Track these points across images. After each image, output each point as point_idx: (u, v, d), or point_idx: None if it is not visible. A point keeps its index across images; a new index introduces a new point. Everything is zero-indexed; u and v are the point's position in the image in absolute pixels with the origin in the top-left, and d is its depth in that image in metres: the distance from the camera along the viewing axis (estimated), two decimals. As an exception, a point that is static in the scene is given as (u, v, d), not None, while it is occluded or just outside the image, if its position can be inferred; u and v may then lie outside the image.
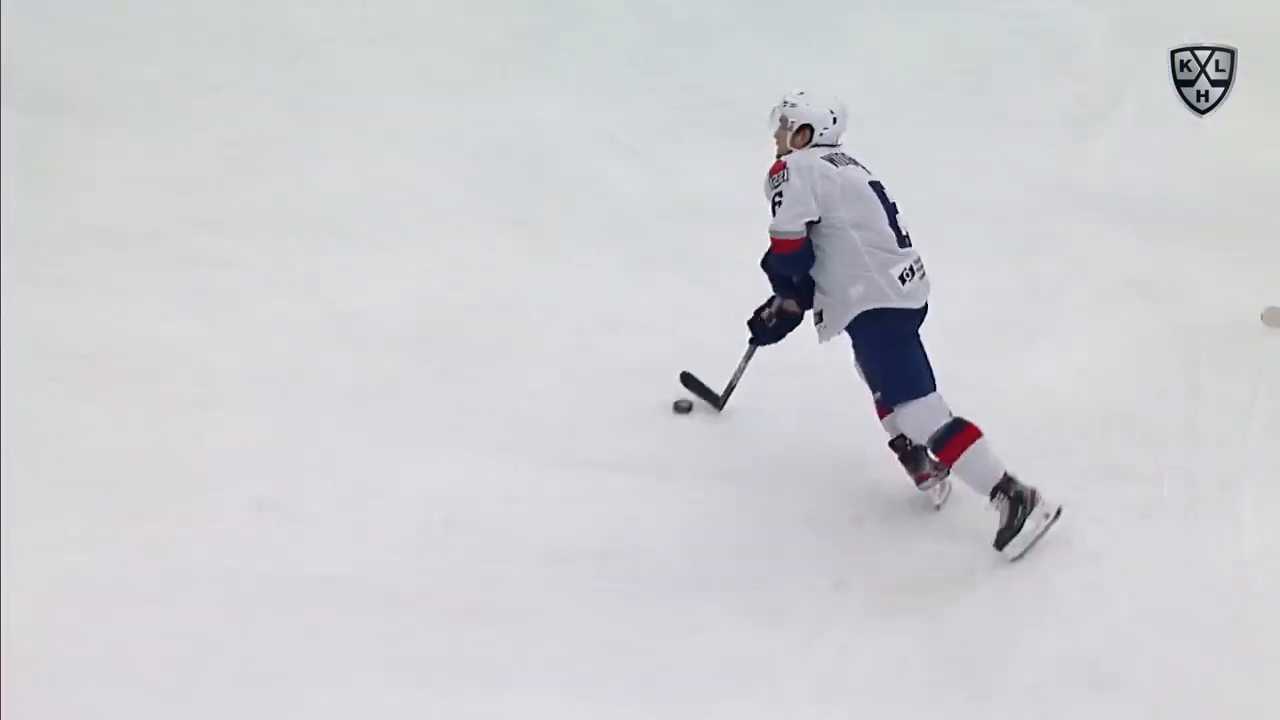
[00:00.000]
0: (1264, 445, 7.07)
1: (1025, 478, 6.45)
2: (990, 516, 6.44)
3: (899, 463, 6.78)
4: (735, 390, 7.23)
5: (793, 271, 6.67)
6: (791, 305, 6.84)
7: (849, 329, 6.61)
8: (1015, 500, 6.40)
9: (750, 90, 9.15)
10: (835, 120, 6.74)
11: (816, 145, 6.73)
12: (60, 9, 10.04)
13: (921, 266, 6.60)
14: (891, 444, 6.77)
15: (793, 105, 6.73)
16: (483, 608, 6.06)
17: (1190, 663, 5.92)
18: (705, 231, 8.41)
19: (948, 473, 6.69)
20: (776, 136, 6.76)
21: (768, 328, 6.92)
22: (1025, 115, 9.73)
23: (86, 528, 6.27)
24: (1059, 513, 6.42)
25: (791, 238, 6.56)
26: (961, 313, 7.76)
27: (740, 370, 7.20)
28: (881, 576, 6.35)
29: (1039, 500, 6.40)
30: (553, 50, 10.25)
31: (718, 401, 7.28)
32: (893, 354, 6.54)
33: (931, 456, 6.66)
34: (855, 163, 6.69)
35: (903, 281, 6.53)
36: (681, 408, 7.30)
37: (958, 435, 6.43)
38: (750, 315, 7.03)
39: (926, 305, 6.62)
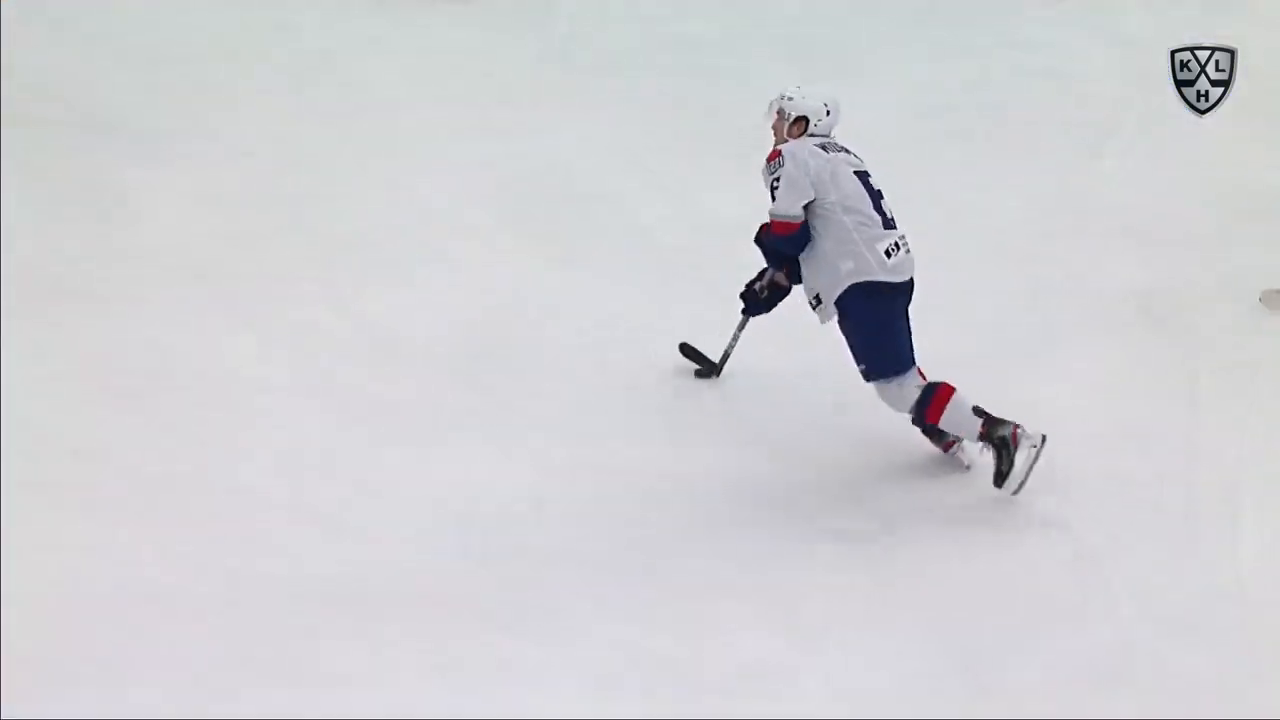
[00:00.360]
0: (1262, 451, 7.14)
1: (1031, 482, 6.77)
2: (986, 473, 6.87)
3: (923, 435, 7.16)
4: (730, 359, 7.59)
5: (791, 250, 7.14)
6: (781, 278, 7.35)
7: (838, 304, 7.05)
8: (1000, 445, 6.89)
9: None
10: (829, 113, 7.26)
11: (811, 135, 7.22)
12: (115, 38, 10.16)
13: (906, 243, 7.09)
14: (915, 421, 7.09)
15: (790, 99, 7.28)
16: (499, 610, 6.12)
17: (1190, 662, 5.98)
18: (723, 250, 8.43)
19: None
20: (774, 127, 7.30)
21: (759, 299, 7.41)
22: (1032, 138, 9.78)
23: (135, 530, 6.39)
24: (1044, 440, 6.87)
25: (792, 220, 7.09)
26: (966, 325, 7.96)
27: (734, 340, 7.59)
28: (888, 578, 6.44)
29: (1021, 437, 6.88)
30: (579, 79, 10.36)
31: (715, 369, 7.64)
32: (879, 330, 7.00)
33: None
34: (846, 151, 7.24)
35: (888, 256, 7.04)
36: (701, 374, 7.64)
37: (934, 397, 6.96)
38: (742, 289, 7.45)
39: (912, 280, 7.10)
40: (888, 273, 7.00)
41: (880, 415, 7.04)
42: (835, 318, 7.05)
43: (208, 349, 7.58)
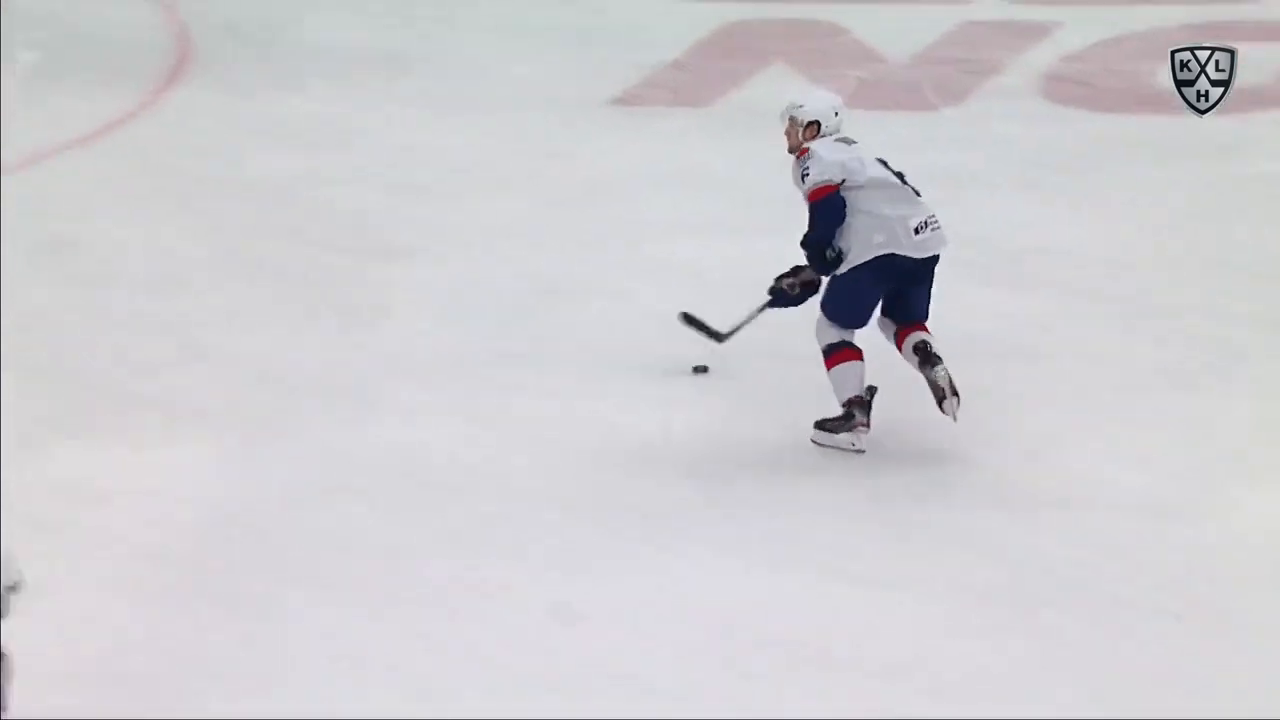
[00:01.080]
0: None
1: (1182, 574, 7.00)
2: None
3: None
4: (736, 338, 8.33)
5: (834, 224, 7.83)
6: (811, 275, 8.03)
7: (858, 266, 7.81)
8: (844, 416, 7.82)
9: (999, 233, 10.00)
10: (836, 114, 8.05)
11: (824, 136, 7.97)
12: (379, 165, 10.85)
13: (936, 221, 7.87)
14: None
15: (800, 106, 8.07)
16: (748, 706, 6.38)
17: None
18: (977, 366, 8.52)
19: (958, 399, 7.78)
20: (787, 134, 8.06)
21: (790, 295, 8.12)
22: (1268, 256, 9.93)
23: (386, 618, 6.80)
24: (861, 451, 7.80)
25: (829, 183, 7.82)
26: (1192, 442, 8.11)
27: (746, 321, 8.31)
28: (1040, 647, 6.62)
29: (860, 432, 7.82)
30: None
31: (719, 336, 8.41)
32: (863, 295, 7.87)
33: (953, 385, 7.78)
34: (857, 143, 7.97)
35: (917, 233, 7.86)
36: (699, 369, 8.50)
37: (840, 353, 7.86)
38: (773, 283, 8.10)
39: (937, 256, 7.84)
40: (913, 248, 7.80)
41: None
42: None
43: (445, 446, 7.98)
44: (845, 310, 7.90)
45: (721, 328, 8.44)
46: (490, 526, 7.43)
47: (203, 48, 12.19)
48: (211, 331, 8.98)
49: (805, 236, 7.93)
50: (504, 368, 8.73)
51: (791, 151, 8.03)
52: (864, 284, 7.85)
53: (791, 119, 8.04)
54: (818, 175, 7.84)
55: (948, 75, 12.00)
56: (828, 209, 7.84)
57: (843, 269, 7.85)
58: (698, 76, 12.23)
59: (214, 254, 9.74)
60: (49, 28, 12.43)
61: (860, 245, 7.84)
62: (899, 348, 7.93)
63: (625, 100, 11.91)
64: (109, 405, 8.30)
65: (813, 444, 7.89)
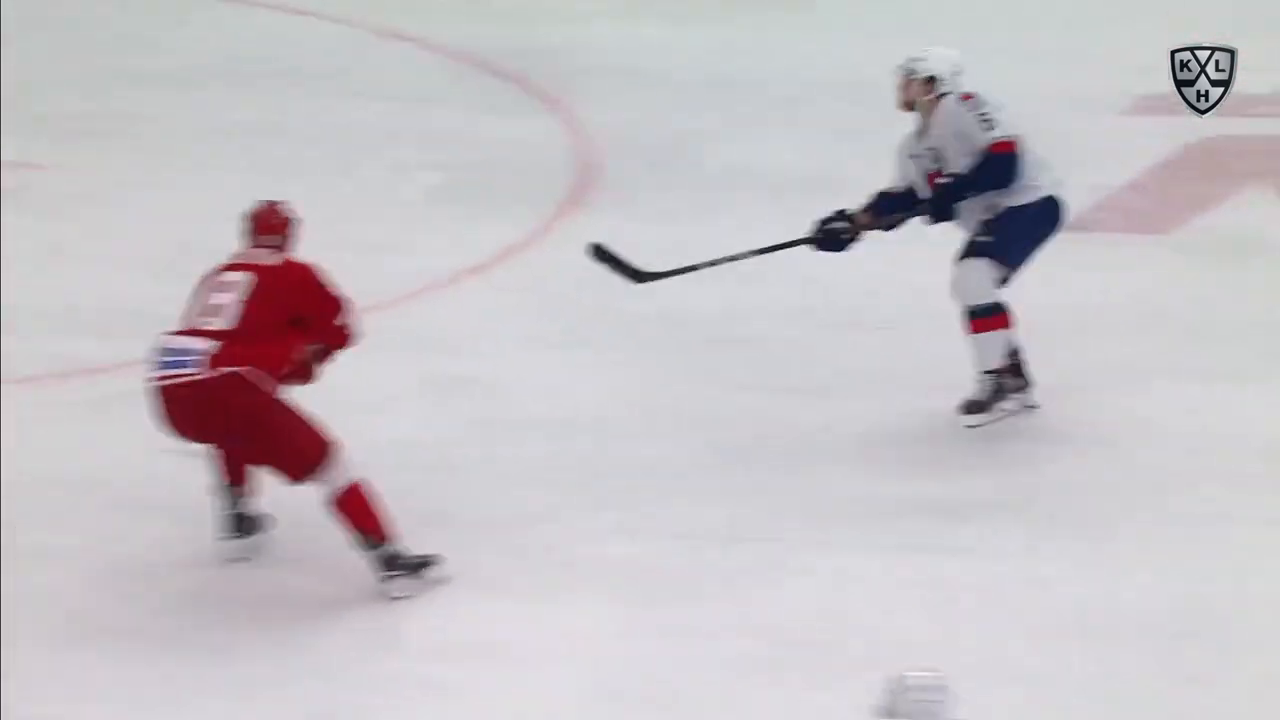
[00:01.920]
0: None
1: None
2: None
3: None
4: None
5: (1012, 179, 8.47)
6: (866, 220, 8.72)
7: (1026, 206, 8.55)
8: (996, 386, 8.50)
9: None
10: (955, 73, 8.58)
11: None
12: (803, 297, 10.89)
13: None
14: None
15: (921, 59, 8.59)
16: None
17: None
18: None
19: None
20: (901, 88, 8.59)
21: (839, 239, 8.73)
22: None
23: None
24: (1030, 409, 8.63)
25: (1016, 137, 8.47)
26: None
27: (751, 254, 9.01)
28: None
29: (1016, 395, 8.56)
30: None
31: (640, 275, 9.03)
32: (1032, 237, 8.57)
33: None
34: None
35: None
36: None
37: (995, 316, 8.51)
38: (820, 223, 8.80)
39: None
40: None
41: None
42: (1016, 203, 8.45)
43: (874, 615, 7.91)
44: (1013, 250, 8.49)
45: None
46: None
47: (609, 169, 12.42)
48: (617, 481, 9.08)
49: (961, 178, 8.43)
50: (936, 524, 8.63)
51: (907, 107, 8.57)
52: (1036, 227, 8.56)
53: (908, 73, 8.56)
54: (1009, 127, 8.46)
55: None
56: (1015, 165, 8.45)
57: (1017, 201, 8.46)
58: (1158, 200, 12.07)
59: (620, 397, 9.87)
60: (448, 148, 12.80)
61: (1028, 187, 8.48)
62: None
63: (1076, 226, 11.44)
64: (504, 556, 8.44)
65: (968, 427, 8.51)
